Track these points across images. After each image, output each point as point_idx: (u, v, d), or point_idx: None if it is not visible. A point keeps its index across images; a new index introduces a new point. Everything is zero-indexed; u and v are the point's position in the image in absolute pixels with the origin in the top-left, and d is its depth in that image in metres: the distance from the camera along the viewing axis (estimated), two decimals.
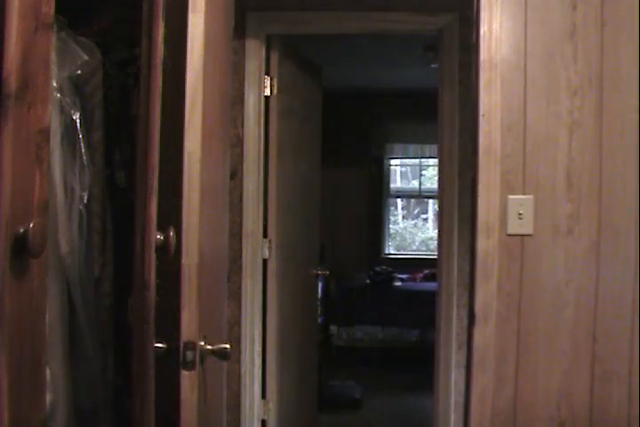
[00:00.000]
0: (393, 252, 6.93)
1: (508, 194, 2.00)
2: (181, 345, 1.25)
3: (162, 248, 1.22)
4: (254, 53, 2.92)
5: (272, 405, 3.07)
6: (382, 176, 6.79)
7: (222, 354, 1.40)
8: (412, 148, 6.76)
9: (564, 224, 1.99)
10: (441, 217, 2.95)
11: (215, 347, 1.37)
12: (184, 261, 1.27)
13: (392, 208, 7.10)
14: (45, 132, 0.89)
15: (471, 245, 2.13)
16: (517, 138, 2.00)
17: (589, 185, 1.99)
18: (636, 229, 1.98)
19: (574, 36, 1.99)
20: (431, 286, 4.76)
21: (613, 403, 1.98)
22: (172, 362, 1.26)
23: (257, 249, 2.96)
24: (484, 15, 2.00)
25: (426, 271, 6.06)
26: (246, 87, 2.91)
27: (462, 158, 2.83)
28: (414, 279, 6.06)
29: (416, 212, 7.34)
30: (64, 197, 1.58)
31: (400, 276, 5.98)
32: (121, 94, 1.85)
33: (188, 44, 1.28)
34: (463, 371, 2.72)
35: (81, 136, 1.63)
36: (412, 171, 7.17)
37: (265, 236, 3.02)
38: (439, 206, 2.99)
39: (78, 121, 1.62)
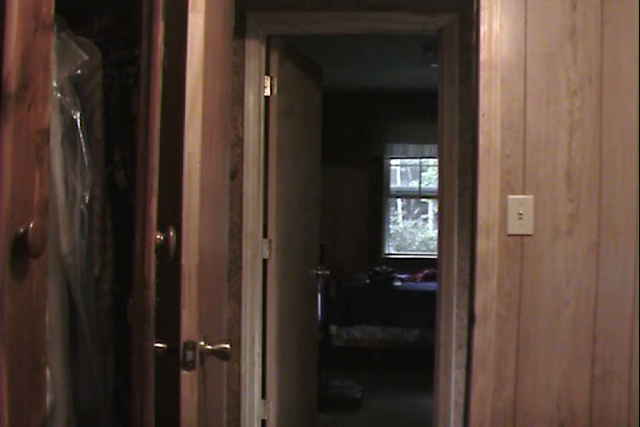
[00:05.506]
0: (393, 252, 6.93)
1: (507, 194, 2.00)
2: (181, 345, 1.25)
3: (162, 248, 1.22)
4: (254, 53, 2.92)
5: (272, 405, 3.07)
6: (382, 176, 6.78)
7: (222, 354, 1.40)
8: (412, 148, 6.75)
9: (564, 224, 1.99)
10: (441, 217, 2.95)
11: (215, 347, 1.37)
12: (184, 261, 1.27)
13: (392, 208, 7.10)
14: (45, 133, 0.89)
15: (471, 245, 2.13)
16: (517, 138, 2.00)
17: (589, 185, 1.99)
18: (636, 229, 1.98)
19: (574, 36, 1.99)
20: (431, 285, 4.76)
21: (613, 403, 1.98)
22: (171, 362, 1.26)
23: (257, 249, 2.96)
24: (483, 15, 2.00)
25: (426, 271, 6.05)
26: (246, 87, 2.91)
27: (462, 158, 2.83)
28: (414, 279, 6.06)
29: (416, 212, 7.34)
30: (65, 197, 1.58)
31: (400, 276, 5.97)
32: (121, 94, 1.85)
33: (187, 44, 1.28)
34: (463, 371, 2.72)
35: (81, 136, 1.63)
36: (412, 171, 7.16)
37: (265, 236, 3.02)
38: (439, 206, 2.99)
39: (78, 121, 1.62)
